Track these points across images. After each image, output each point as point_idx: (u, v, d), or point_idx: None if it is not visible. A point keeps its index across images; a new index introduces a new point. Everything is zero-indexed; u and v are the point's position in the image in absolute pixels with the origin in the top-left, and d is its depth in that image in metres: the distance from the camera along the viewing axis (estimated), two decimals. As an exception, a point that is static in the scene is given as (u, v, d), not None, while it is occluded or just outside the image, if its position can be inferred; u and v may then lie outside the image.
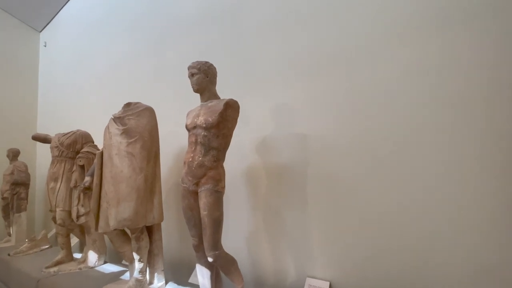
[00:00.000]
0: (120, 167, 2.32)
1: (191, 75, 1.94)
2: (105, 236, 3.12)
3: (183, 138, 2.83)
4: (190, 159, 1.89)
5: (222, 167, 1.92)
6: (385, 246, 1.96)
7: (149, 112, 2.47)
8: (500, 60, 1.63)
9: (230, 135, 1.92)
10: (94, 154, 3.05)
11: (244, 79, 2.29)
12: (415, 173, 1.85)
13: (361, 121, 2.01)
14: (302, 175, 2.26)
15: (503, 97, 1.63)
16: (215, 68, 1.98)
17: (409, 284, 1.90)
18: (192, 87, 1.95)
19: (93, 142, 3.26)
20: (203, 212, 1.82)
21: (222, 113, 1.83)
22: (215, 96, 1.98)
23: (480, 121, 1.68)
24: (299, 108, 2.25)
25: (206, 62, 1.95)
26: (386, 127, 1.94)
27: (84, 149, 3.11)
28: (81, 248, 3.59)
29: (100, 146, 2.66)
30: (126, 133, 2.36)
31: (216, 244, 1.81)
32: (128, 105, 2.49)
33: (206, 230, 1.80)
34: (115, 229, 2.31)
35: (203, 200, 1.83)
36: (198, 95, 1.99)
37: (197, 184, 1.89)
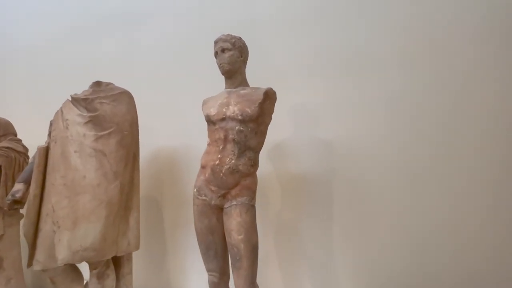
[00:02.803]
0: (82, 170, 1.60)
1: (222, 51, 1.45)
2: (27, 273, 2.16)
3: (158, 136, 2.26)
4: (217, 162, 1.36)
5: (256, 175, 1.45)
6: (417, 261, 1.78)
7: (128, 98, 1.81)
8: None
9: (266, 134, 1.47)
10: (18, 152, 2.12)
11: (261, 75, 1.87)
12: (452, 183, 1.73)
13: (390, 126, 1.83)
14: (324, 186, 1.94)
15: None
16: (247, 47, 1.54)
17: None
18: (221, 66, 1.45)
19: (16, 135, 2.30)
20: (237, 237, 1.31)
21: (262, 104, 1.38)
22: (246, 82, 1.52)
23: None
24: (322, 110, 1.95)
25: (240, 38, 1.49)
26: (418, 134, 1.79)
27: (2, 144, 2.14)
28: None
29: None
30: (95, 122, 1.66)
31: (254, 280, 1.34)
32: (98, 84, 1.77)
33: (241, 262, 1.31)
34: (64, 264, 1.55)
35: (237, 219, 1.33)
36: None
37: (224, 196, 1.38)
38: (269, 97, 1.43)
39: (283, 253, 1.96)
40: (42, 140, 2.20)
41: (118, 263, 1.79)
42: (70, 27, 2.64)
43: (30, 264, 1.59)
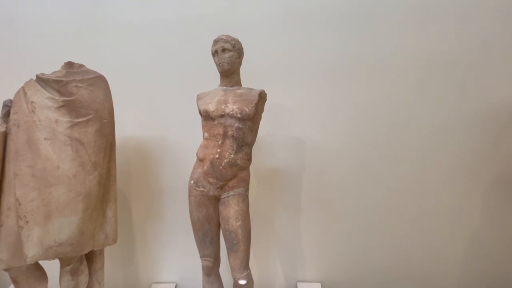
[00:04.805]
0: (55, 160, 1.46)
1: (222, 51, 1.48)
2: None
3: (126, 125, 2.13)
4: (217, 156, 1.42)
5: (249, 168, 1.55)
6: (375, 247, 2.13)
7: (105, 84, 1.68)
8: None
9: (258, 131, 1.58)
10: None
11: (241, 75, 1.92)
12: (407, 178, 2.09)
13: (357, 128, 2.10)
14: (295, 179, 2.13)
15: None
16: None
17: (398, 282, 2.13)
18: (221, 65, 1.49)
19: None
20: (235, 223, 1.43)
21: (257, 105, 1.49)
22: (241, 82, 1.60)
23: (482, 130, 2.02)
24: (296, 112, 2.12)
25: (238, 40, 1.55)
26: (380, 135, 2.09)
27: None
28: None
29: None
30: (70, 107, 1.51)
31: (248, 261, 1.49)
32: (70, 65, 1.60)
33: (239, 246, 1.44)
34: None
35: (235, 208, 1.44)
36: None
37: (221, 187, 1.46)
38: (262, 98, 1.55)
39: (257, 237, 2.10)
40: None
41: (90, 258, 1.69)
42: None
43: (-11, 263, 1.40)
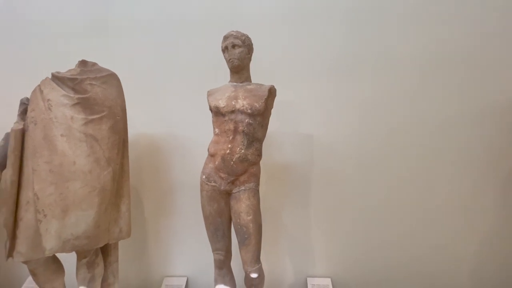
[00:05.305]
0: (71, 156, 1.50)
1: (232, 47, 1.50)
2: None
3: (137, 122, 2.16)
4: (228, 151, 1.45)
5: (260, 163, 1.58)
6: (385, 242, 2.13)
7: (117, 81, 1.72)
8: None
9: (267, 127, 1.60)
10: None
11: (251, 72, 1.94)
12: (413, 174, 2.09)
13: (364, 125, 2.10)
14: (303, 175, 2.14)
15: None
16: None
17: (407, 278, 2.13)
18: (231, 61, 1.51)
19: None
20: (246, 217, 1.46)
21: (267, 100, 1.50)
22: (250, 78, 1.61)
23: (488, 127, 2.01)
24: (305, 108, 2.13)
25: (248, 35, 1.56)
26: (388, 132, 2.09)
27: None
28: None
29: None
30: (84, 105, 1.55)
31: (260, 254, 1.52)
32: (84, 63, 1.64)
33: (250, 239, 1.48)
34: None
35: (246, 203, 1.47)
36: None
37: (232, 182, 1.49)
38: (272, 93, 1.57)
39: (266, 232, 2.12)
40: None
41: (104, 251, 1.74)
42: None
43: (10, 255, 1.45)
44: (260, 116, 1.48)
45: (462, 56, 2.03)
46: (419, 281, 2.15)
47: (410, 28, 2.05)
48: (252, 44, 1.58)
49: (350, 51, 2.09)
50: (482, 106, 2.04)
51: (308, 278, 2.13)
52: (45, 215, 1.45)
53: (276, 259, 2.19)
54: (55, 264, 1.63)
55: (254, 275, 1.48)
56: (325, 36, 2.10)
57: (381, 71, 2.08)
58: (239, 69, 1.54)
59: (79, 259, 1.62)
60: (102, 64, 1.73)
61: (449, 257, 2.14)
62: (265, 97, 1.49)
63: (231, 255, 1.64)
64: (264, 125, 1.54)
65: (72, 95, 1.55)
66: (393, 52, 2.06)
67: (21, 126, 1.54)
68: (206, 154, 1.63)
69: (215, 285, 1.66)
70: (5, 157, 1.52)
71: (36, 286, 1.85)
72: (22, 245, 1.45)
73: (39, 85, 1.58)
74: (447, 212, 2.11)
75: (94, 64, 1.71)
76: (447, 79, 2.05)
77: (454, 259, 2.14)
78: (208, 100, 1.58)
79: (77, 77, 1.57)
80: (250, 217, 1.46)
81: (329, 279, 2.12)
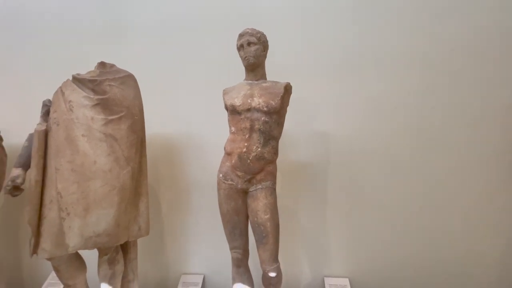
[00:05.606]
0: (92, 155, 1.54)
1: (247, 44, 1.50)
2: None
3: (152, 122, 2.18)
4: (244, 150, 1.45)
5: (276, 162, 1.58)
6: (405, 242, 2.08)
7: (134, 82, 1.75)
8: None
9: (283, 125, 1.59)
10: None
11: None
12: (435, 171, 2.03)
13: (384, 123, 2.06)
14: (319, 173, 2.12)
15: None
16: None
17: (428, 279, 2.08)
18: (246, 59, 1.51)
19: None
20: (264, 216, 1.45)
21: (283, 98, 1.50)
22: (266, 76, 1.61)
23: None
24: (320, 106, 2.11)
25: (263, 32, 1.56)
26: (406, 128, 2.05)
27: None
28: None
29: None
30: (104, 105, 1.58)
31: (278, 253, 1.52)
32: (103, 65, 1.68)
33: (268, 238, 1.47)
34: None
35: (263, 201, 1.47)
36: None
37: (249, 181, 1.49)
38: (288, 91, 1.56)
39: (282, 231, 2.12)
40: (9, 122, 2.06)
41: (124, 249, 1.77)
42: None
43: (35, 252, 1.50)
44: (276, 114, 1.48)
45: (482, 49, 1.97)
46: (440, 281, 2.10)
47: (434, 18, 2.00)
48: (267, 41, 1.58)
49: (365, 47, 2.06)
50: (509, 101, 1.97)
51: (325, 278, 2.11)
52: (68, 213, 1.49)
53: (292, 258, 2.18)
54: (78, 261, 1.68)
55: (272, 274, 1.48)
56: (339, 32, 2.07)
57: (397, 66, 2.04)
58: (255, 67, 1.54)
59: (100, 256, 1.66)
60: (119, 65, 1.77)
61: (479, 259, 2.06)
62: (281, 94, 1.48)
63: (248, 254, 1.64)
64: (280, 123, 1.53)
65: (92, 96, 1.58)
66: (409, 47, 2.02)
67: (44, 127, 1.60)
68: (221, 153, 1.64)
69: (233, 284, 1.66)
70: (29, 158, 1.58)
71: (59, 282, 1.92)
72: (46, 243, 1.50)
73: (60, 87, 1.63)
74: (477, 211, 2.04)
75: (112, 65, 1.74)
76: (478, 70, 1.98)
77: (485, 262, 2.06)
78: (224, 99, 1.58)
79: (97, 78, 1.60)
80: (268, 215, 1.46)
81: (347, 279, 2.09)
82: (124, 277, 1.75)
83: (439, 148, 2.04)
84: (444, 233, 2.06)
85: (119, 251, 1.70)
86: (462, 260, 2.08)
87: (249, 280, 1.66)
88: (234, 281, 1.65)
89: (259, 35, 1.52)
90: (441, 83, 2.02)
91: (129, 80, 1.72)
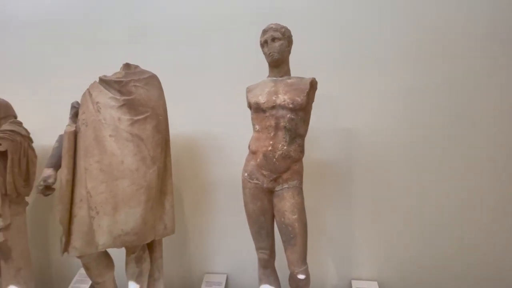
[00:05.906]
0: (119, 155, 1.56)
1: (272, 40, 1.47)
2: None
3: (175, 123, 2.19)
4: (270, 148, 1.42)
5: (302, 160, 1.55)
6: (434, 244, 2.00)
7: (158, 82, 1.77)
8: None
9: (309, 122, 1.56)
10: (23, 136, 1.96)
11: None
12: (465, 170, 1.95)
13: (413, 119, 1.99)
14: (345, 172, 2.07)
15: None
16: None
17: (457, 280, 1.99)
18: (271, 55, 1.48)
19: (16, 117, 2.12)
20: (292, 216, 1.41)
21: (309, 94, 1.46)
22: (290, 72, 1.58)
23: None
24: (344, 102, 2.06)
25: (287, 27, 1.54)
26: (434, 125, 1.97)
27: (5, 127, 1.97)
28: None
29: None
30: (130, 106, 1.61)
31: (306, 255, 1.47)
32: (128, 66, 1.71)
33: (296, 239, 1.42)
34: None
35: (290, 201, 1.43)
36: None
37: (275, 180, 1.46)
38: (313, 86, 1.52)
39: (308, 233, 2.11)
40: (39, 124, 2.13)
41: (150, 248, 1.79)
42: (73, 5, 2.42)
43: (65, 250, 1.54)
44: (302, 110, 1.44)
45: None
46: (471, 284, 2.01)
47: (463, 8, 1.92)
48: (291, 36, 1.54)
49: (390, 42, 2.00)
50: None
51: (353, 281, 2.05)
52: (97, 212, 1.52)
53: (318, 260, 2.12)
54: (107, 259, 1.71)
55: (301, 276, 1.44)
56: (364, 27, 2.02)
57: (423, 62, 1.97)
58: (279, 63, 1.51)
59: (128, 254, 1.68)
60: (142, 66, 1.80)
61: (507, 263, 1.96)
62: (307, 90, 1.45)
63: (275, 254, 1.61)
64: (306, 120, 1.49)
65: (118, 97, 1.61)
66: (442, 36, 1.95)
67: (73, 128, 1.64)
68: (244, 152, 1.63)
69: (259, 285, 1.64)
70: (60, 158, 1.63)
71: (87, 279, 1.97)
72: (77, 241, 1.53)
73: (88, 89, 1.66)
74: (509, 213, 1.93)
75: (137, 66, 1.77)
76: (500, 68, 1.89)
77: (503, 267, 1.96)
78: (247, 97, 1.57)
79: (122, 79, 1.63)
80: (296, 216, 1.42)
81: (376, 283, 2.02)
82: (150, 275, 1.77)
83: (474, 144, 1.94)
84: (480, 235, 1.96)
85: (145, 249, 1.72)
86: (494, 265, 1.98)
87: (276, 281, 1.63)
88: (261, 282, 1.63)
89: (283, 30, 1.49)
90: (483, 73, 1.93)
91: (153, 80, 1.74)
